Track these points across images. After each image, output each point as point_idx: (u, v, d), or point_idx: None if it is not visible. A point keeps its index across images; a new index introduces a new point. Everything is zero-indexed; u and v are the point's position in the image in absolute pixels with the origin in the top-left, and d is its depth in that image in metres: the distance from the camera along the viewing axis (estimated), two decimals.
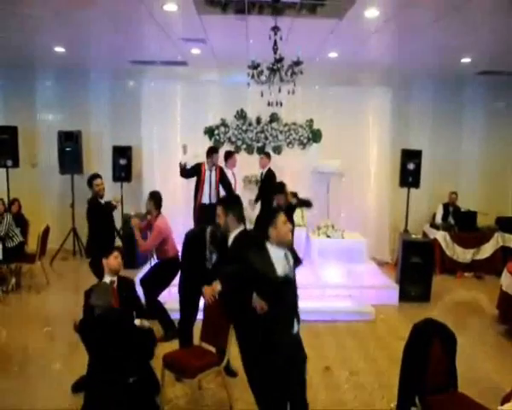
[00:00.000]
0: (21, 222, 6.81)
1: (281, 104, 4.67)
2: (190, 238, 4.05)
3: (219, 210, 3.61)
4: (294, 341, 2.98)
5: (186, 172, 6.60)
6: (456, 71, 7.28)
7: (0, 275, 6.13)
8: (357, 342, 5.05)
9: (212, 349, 3.77)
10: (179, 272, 4.27)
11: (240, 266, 2.94)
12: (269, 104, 4.77)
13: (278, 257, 2.85)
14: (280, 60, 4.28)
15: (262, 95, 4.59)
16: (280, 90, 4.45)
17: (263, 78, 4.34)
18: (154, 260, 5.38)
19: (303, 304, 4.74)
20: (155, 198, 5.01)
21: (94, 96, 8.30)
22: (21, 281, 6.67)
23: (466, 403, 2.97)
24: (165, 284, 4.93)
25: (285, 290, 2.86)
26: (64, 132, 7.76)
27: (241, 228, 3.57)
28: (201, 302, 3.97)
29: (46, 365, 4.34)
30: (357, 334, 5.24)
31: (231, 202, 3.78)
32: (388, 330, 5.30)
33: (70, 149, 7.73)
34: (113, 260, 3.60)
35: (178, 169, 6.59)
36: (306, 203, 5.10)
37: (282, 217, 2.88)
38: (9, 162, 7.60)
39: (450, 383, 3.14)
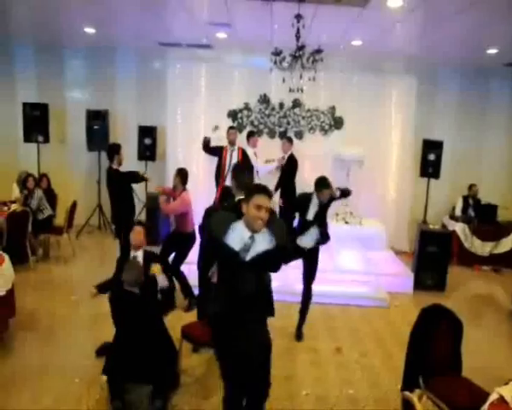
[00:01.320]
0: (50, 196, 7.11)
1: (301, 90, 4.77)
2: (210, 211, 4.19)
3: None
4: (250, 333, 2.71)
5: (208, 148, 6.79)
6: (482, 62, 7.19)
7: (31, 246, 6.44)
8: (370, 326, 5.17)
9: None
10: (196, 248, 4.47)
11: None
12: (290, 90, 4.87)
13: (240, 234, 2.62)
14: (302, 47, 4.36)
15: (284, 81, 4.69)
16: (301, 77, 4.53)
17: (285, 64, 4.43)
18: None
19: (319, 287, 4.96)
20: (182, 174, 5.24)
21: (121, 76, 8.50)
22: (50, 252, 7.02)
23: (467, 386, 3.07)
24: (183, 256, 5.18)
25: (234, 267, 2.63)
26: (92, 111, 8.00)
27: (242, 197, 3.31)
28: None
29: (72, 329, 4.63)
30: (370, 319, 5.36)
31: (239, 169, 3.66)
32: (401, 316, 5.40)
33: (97, 127, 7.97)
34: (136, 236, 3.75)
35: (202, 146, 6.77)
36: (347, 193, 5.07)
37: (259, 199, 2.59)
38: (40, 138, 7.93)
39: (455, 367, 3.25)
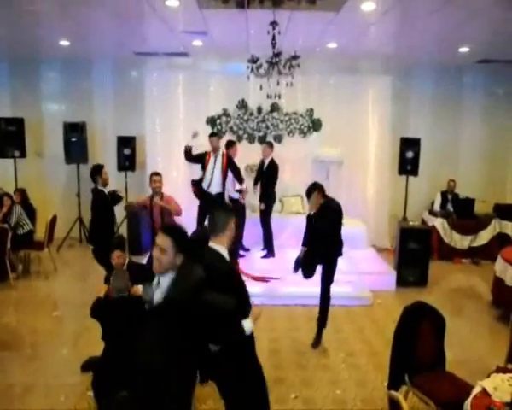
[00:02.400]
0: (29, 211, 6.98)
1: (279, 96, 4.83)
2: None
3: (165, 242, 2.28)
4: None
5: (191, 157, 6.59)
6: (455, 60, 7.37)
7: (10, 262, 6.33)
8: (354, 325, 5.24)
9: None
10: None
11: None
12: (268, 96, 4.91)
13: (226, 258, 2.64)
14: (278, 54, 4.41)
15: (261, 88, 4.74)
16: (278, 83, 4.59)
17: (262, 71, 4.47)
18: None
19: (301, 289, 4.98)
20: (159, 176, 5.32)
21: (98, 87, 8.45)
22: (30, 267, 6.91)
23: (452, 381, 3.14)
24: None
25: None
26: (69, 123, 7.91)
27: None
28: None
29: (56, 346, 4.57)
30: (355, 318, 5.42)
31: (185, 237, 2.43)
32: (384, 314, 5.49)
33: (75, 139, 7.88)
34: (117, 260, 3.68)
35: (183, 155, 6.62)
36: None
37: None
38: (17, 153, 7.81)
39: (439, 362, 3.32)
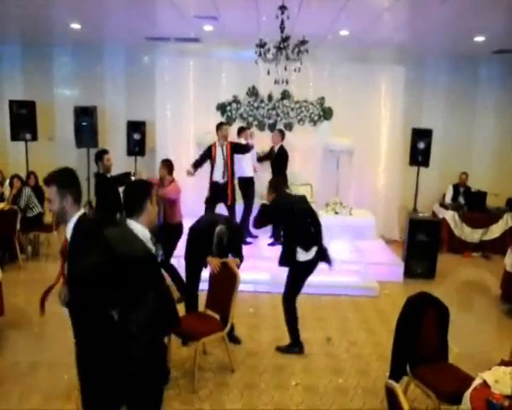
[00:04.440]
0: (39, 194, 7.05)
1: (287, 82, 4.77)
2: (198, 232, 4.15)
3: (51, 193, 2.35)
4: None
5: (197, 164, 6.57)
6: (471, 49, 7.19)
7: (20, 244, 6.42)
8: (360, 315, 5.21)
9: (217, 316, 3.98)
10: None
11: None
12: (276, 82, 4.86)
13: (145, 237, 2.49)
14: (286, 39, 4.34)
15: (269, 73, 4.70)
16: (286, 69, 4.52)
17: (270, 56, 4.42)
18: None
19: (309, 278, 4.96)
20: (167, 165, 5.34)
21: (109, 71, 8.48)
22: (39, 249, 6.99)
23: (454, 373, 3.11)
24: (172, 247, 5.19)
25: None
26: (80, 107, 7.92)
27: (79, 212, 2.37)
28: (206, 273, 4.17)
29: (62, 326, 4.59)
30: (360, 308, 5.40)
31: (67, 176, 2.40)
32: (391, 305, 5.44)
33: (86, 123, 7.89)
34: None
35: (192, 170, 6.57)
36: None
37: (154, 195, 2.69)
38: (28, 136, 7.85)
39: (442, 354, 3.29)
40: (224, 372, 3.87)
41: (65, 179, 2.34)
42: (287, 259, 4.18)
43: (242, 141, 6.84)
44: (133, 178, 6.00)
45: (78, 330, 2.40)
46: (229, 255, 4.14)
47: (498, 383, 2.44)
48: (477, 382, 2.55)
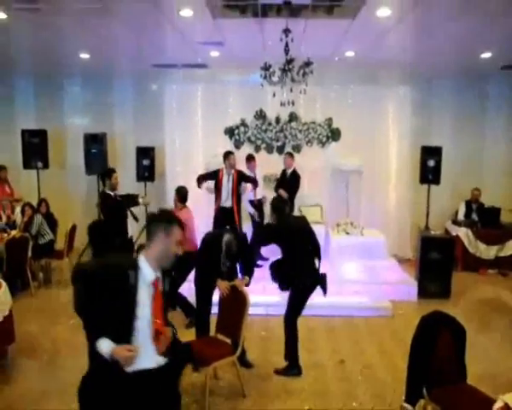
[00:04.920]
0: (51, 221, 7.12)
1: (293, 103, 4.79)
2: (208, 242, 4.21)
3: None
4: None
5: (202, 178, 6.63)
6: (478, 66, 7.19)
7: (31, 271, 6.45)
8: (373, 336, 5.10)
9: (228, 341, 3.92)
10: (194, 269, 4.44)
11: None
12: (281, 104, 4.90)
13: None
14: (291, 61, 4.39)
15: (274, 95, 4.74)
16: (292, 90, 4.56)
17: (275, 78, 4.46)
18: None
19: (321, 299, 4.91)
20: (179, 192, 5.41)
21: (118, 99, 8.65)
22: (51, 277, 7.02)
23: (472, 394, 2.99)
24: (182, 278, 5.13)
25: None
26: (89, 135, 8.04)
27: None
28: (216, 296, 4.13)
29: (72, 354, 4.58)
30: (374, 329, 5.29)
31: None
32: (405, 325, 5.31)
33: (95, 150, 7.99)
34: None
35: (199, 173, 6.74)
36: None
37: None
38: (40, 164, 7.98)
39: (459, 375, 3.17)
40: (235, 398, 3.79)
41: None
42: (287, 280, 4.16)
43: (247, 172, 6.92)
44: (141, 200, 6.10)
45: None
46: (239, 275, 4.12)
47: None
48: (498, 405, 2.46)
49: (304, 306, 4.21)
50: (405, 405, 2.13)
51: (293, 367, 4.19)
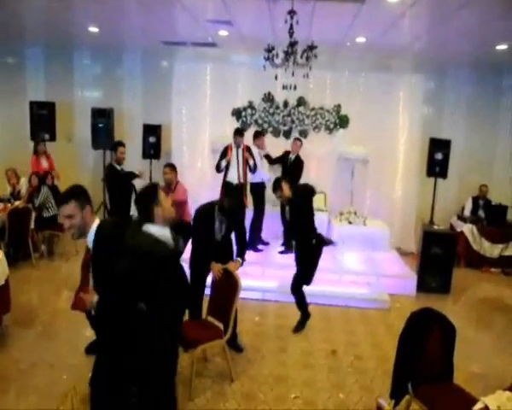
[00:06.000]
0: (56, 194, 7.16)
1: (295, 87, 4.72)
2: (200, 212, 4.20)
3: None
4: None
5: (218, 166, 6.69)
6: (493, 58, 6.96)
7: (34, 242, 6.51)
8: (368, 328, 5.08)
9: (218, 324, 3.92)
10: (190, 246, 4.43)
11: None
12: (284, 87, 4.82)
13: (165, 236, 2.55)
14: (294, 43, 4.28)
15: (276, 78, 4.67)
16: (293, 74, 4.46)
17: (278, 61, 4.37)
18: None
19: (318, 288, 4.99)
20: (175, 168, 5.49)
21: (127, 75, 8.60)
22: (54, 249, 7.08)
23: (457, 394, 2.97)
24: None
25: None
26: (97, 109, 8.02)
27: (97, 221, 2.52)
28: (209, 279, 4.12)
29: (67, 326, 4.64)
30: (369, 321, 5.26)
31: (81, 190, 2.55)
32: (400, 319, 5.16)
33: (102, 125, 7.97)
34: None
35: (205, 153, 6.80)
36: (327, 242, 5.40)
37: (162, 193, 2.95)
38: (47, 136, 7.99)
39: (446, 374, 3.14)
40: (222, 381, 3.81)
41: (81, 192, 2.49)
42: (302, 244, 4.72)
43: (255, 152, 6.88)
44: (137, 172, 6.30)
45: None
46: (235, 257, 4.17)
47: (501, 409, 2.31)
48: (478, 406, 2.43)
49: (312, 272, 4.71)
50: (380, 401, 2.10)
51: (308, 316, 4.90)
